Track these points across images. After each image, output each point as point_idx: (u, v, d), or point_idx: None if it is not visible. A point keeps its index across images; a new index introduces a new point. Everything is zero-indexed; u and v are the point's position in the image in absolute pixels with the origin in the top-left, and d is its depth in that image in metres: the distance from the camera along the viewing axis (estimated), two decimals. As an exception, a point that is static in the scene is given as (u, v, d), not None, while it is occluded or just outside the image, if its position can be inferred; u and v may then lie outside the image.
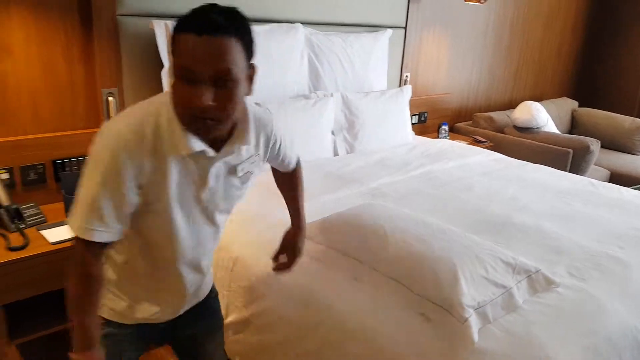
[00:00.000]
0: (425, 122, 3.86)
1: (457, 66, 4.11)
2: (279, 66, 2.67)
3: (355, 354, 1.42)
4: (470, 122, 4.21)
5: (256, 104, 1.23)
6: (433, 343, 1.36)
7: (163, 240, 1.15)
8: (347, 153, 2.83)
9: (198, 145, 1.06)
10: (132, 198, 1.04)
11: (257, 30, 2.59)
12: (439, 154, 2.95)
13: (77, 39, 2.09)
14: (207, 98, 0.96)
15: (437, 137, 3.68)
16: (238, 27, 0.98)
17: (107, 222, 1.02)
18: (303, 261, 1.68)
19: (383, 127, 3.00)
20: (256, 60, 1.07)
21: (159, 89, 2.29)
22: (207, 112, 0.97)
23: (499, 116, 4.09)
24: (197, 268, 1.27)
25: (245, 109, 1.13)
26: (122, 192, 1.01)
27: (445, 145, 3.19)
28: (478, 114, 4.17)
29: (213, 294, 1.43)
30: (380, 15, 3.30)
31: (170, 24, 2.23)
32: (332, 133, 2.80)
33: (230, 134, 1.11)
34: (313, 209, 1.93)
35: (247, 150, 1.18)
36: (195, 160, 1.09)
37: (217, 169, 1.14)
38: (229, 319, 1.72)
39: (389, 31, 3.28)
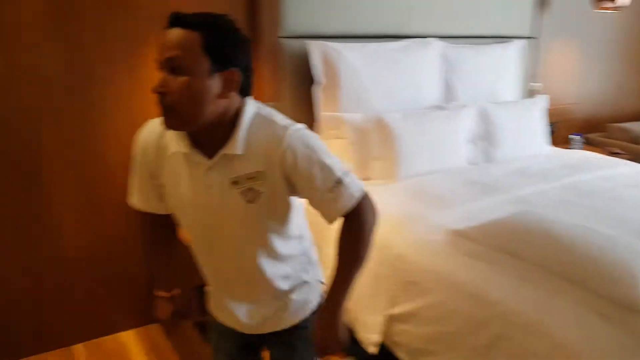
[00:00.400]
0: (555, 132, 3.78)
1: (585, 75, 3.99)
2: (414, 79, 2.79)
3: (531, 348, 1.46)
4: (602, 134, 4.05)
5: (286, 124, 1.11)
6: (617, 341, 1.38)
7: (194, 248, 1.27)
8: (484, 162, 2.87)
9: (177, 145, 1.12)
10: (149, 181, 1.22)
11: (393, 46, 2.88)
12: (579, 165, 2.89)
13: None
14: (159, 83, 1.03)
15: (569, 147, 3.58)
16: (203, 24, 1.02)
17: (133, 194, 1.27)
18: (466, 261, 1.76)
19: (519, 136, 3.01)
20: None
21: (312, 102, 2.50)
22: (160, 99, 1.03)
23: (634, 127, 3.89)
24: (245, 298, 1.27)
25: (239, 117, 1.10)
26: (138, 173, 1.23)
27: (583, 156, 3.12)
28: (612, 124, 4.00)
29: (299, 329, 1.31)
30: (509, 26, 3.33)
31: (324, 44, 2.45)
32: (468, 142, 2.85)
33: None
34: (458, 217, 2.02)
35: (241, 164, 1.10)
36: (189, 164, 1.13)
37: (212, 178, 1.11)
38: (394, 311, 1.84)
39: (519, 41, 3.30)
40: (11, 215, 2.07)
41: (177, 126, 1.06)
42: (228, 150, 1.09)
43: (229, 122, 1.09)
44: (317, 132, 2.43)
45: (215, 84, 1.04)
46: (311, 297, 1.32)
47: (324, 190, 1.10)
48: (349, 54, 2.50)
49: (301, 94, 2.52)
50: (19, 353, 2.19)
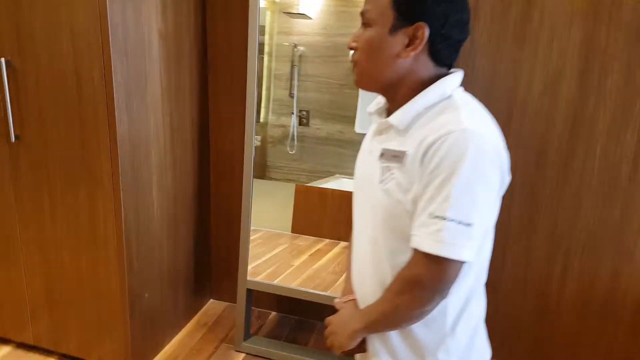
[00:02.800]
0: None
1: None
2: None
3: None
4: None
5: (469, 123, 0.86)
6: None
7: None
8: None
9: (372, 106, 1.06)
10: None
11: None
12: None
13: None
14: (351, 38, 0.98)
15: None
16: None
17: None
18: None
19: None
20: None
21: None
22: (352, 54, 0.98)
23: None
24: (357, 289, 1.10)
25: (412, 86, 0.95)
26: None
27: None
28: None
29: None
30: None
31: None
32: None
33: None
34: None
35: (396, 138, 0.96)
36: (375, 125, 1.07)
37: (374, 144, 1.02)
38: None
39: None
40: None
41: (359, 83, 0.99)
42: (392, 118, 0.96)
43: (411, 90, 0.95)
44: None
45: (397, 41, 0.91)
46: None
47: (423, 208, 0.88)
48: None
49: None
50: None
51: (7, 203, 1.91)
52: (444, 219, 0.84)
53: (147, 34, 1.79)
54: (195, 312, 2.52)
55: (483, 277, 1.04)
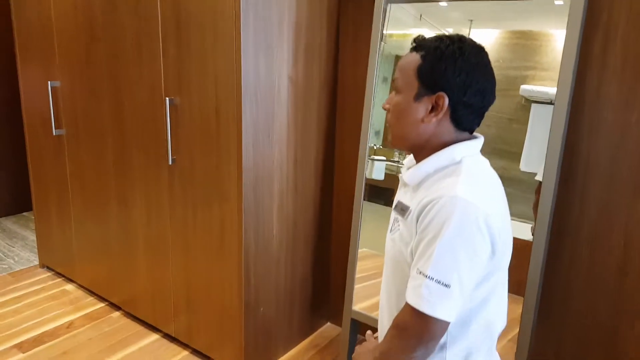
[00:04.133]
0: None
1: None
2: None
3: None
4: None
5: (460, 190, 0.94)
6: None
7: None
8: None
9: (407, 161, 1.19)
10: None
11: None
12: None
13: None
14: (386, 101, 1.10)
15: None
16: (425, 46, 1.02)
17: None
18: None
19: None
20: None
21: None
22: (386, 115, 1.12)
23: None
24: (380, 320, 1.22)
25: (434, 148, 1.04)
26: None
27: None
28: None
29: None
30: None
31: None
32: None
33: None
34: None
35: (408, 193, 1.07)
36: None
37: (397, 196, 1.14)
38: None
39: None
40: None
41: (392, 141, 1.11)
42: (405, 175, 1.09)
43: (433, 151, 1.05)
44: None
45: (421, 107, 1.03)
46: None
47: (414, 263, 0.98)
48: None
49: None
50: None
51: (164, 212, 2.35)
52: (425, 276, 0.93)
53: (277, 80, 2.08)
54: (311, 333, 2.70)
55: (490, 336, 1.06)
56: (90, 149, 2.67)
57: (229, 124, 1.97)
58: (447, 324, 0.95)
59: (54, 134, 2.84)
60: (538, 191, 1.80)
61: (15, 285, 3.14)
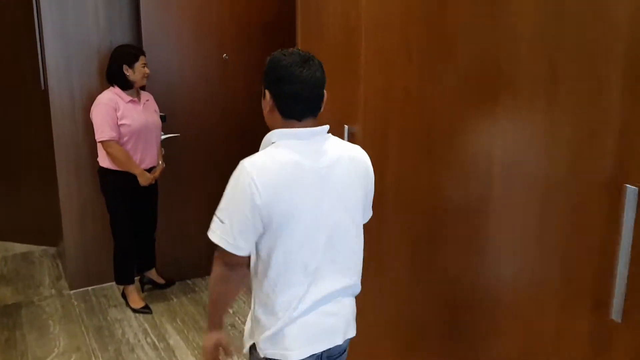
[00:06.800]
0: None
1: None
2: None
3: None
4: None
5: (247, 160, 1.31)
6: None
7: None
8: None
9: None
10: None
11: None
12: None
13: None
14: None
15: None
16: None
17: None
18: None
19: None
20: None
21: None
22: None
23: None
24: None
25: (271, 128, 1.38)
26: None
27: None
28: None
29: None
30: None
31: None
32: None
33: None
34: None
35: None
36: None
37: None
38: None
39: None
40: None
41: None
42: None
43: None
44: None
45: (265, 102, 1.38)
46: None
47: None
48: None
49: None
50: None
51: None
52: (215, 215, 1.32)
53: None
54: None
55: (290, 274, 1.34)
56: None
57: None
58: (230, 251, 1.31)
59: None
60: None
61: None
